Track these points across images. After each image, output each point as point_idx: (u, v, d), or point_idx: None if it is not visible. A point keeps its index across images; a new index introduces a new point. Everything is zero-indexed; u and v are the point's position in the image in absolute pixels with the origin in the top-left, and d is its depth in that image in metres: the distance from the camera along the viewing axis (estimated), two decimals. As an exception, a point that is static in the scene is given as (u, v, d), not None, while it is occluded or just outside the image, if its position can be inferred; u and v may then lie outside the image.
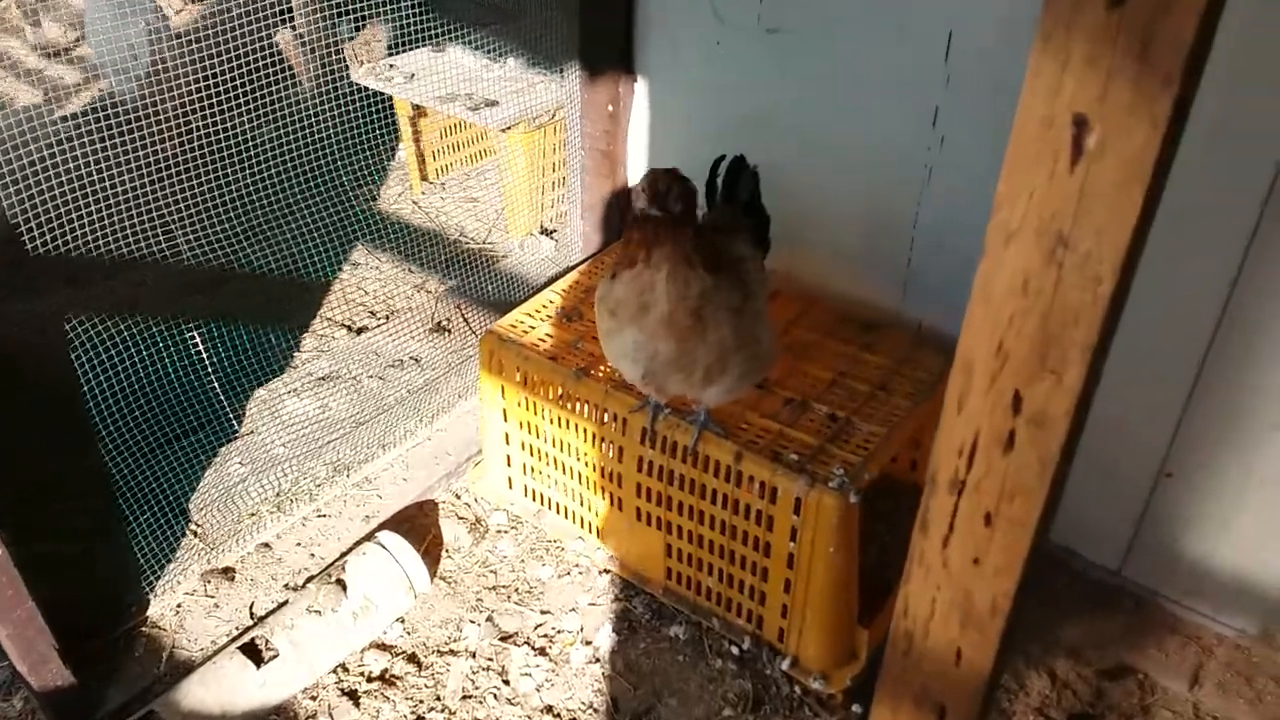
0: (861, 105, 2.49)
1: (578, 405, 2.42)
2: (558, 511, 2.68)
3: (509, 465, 2.71)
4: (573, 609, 2.51)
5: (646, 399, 2.28)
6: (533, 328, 2.58)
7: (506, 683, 2.35)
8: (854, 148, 2.55)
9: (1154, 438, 2.31)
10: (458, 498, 2.83)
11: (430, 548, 2.67)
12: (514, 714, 2.27)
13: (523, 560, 2.65)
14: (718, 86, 2.74)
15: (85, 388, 2.17)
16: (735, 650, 2.38)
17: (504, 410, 2.60)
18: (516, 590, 2.57)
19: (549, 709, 2.29)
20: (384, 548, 2.48)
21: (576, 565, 2.62)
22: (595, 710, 2.28)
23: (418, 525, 2.74)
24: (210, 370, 2.68)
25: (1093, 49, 0.84)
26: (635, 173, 3.02)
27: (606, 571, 2.59)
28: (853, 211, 2.64)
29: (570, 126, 3.00)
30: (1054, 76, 0.88)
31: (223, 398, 2.68)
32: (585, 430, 2.43)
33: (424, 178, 4.11)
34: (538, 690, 2.33)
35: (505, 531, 2.73)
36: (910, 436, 2.31)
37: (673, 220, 1.89)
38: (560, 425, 2.49)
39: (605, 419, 2.37)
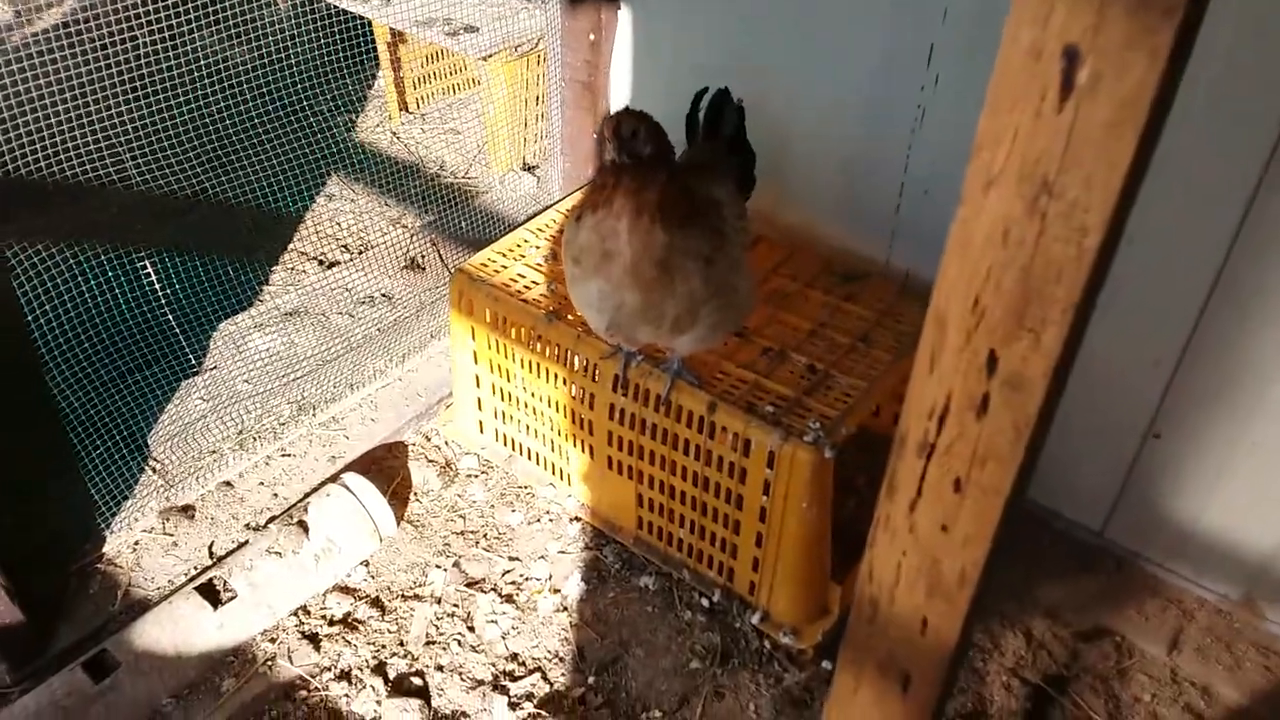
0: (854, 40, 2.36)
1: (549, 349, 2.33)
2: (529, 457, 2.61)
3: (480, 409, 2.63)
4: (542, 556, 2.46)
5: (621, 348, 2.19)
6: (505, 267, 2.48)
7: (472, 629, 2.30)
8: (845, 85, 2.43)
9: (1143, 397, 2.24)
10: (428, 440, 2.76)
11: (398, 490, 2.61)
12: (478, 661, 2.23)
13: (493, 506, 2.58)
14: (705, 16, 2.60)
15: (31, 317, 2.07)
16: (705, 603, 2.33)
17: (474, 352, 2.52)
18: (485, 536, 2.51)
19: (514, 656, 2.24)
20: (348, 489, 2.41)
21: (547, 512, 2.56)
22: (561, 659, 2.24)
23: (386, 467, 2.67)
24: (165, 301, 2.58)
25: (1088, -31, 0.74)
26: (618, 106, 2.89)
27: (577, 519, 2.53)
28: (841, 154, 2.52)
29: (551, 56, 2.87)
30: (1043, 2, 0.78)
31: (178, 329, 2.58)
32: (556, 375, 2.35)
33: (404, 107, 3.97)
34: (503, 638, 2.28)
35: (475, 476, 2.66)
36: (891, 390, 2.23)
37: (641, 165, 1.78)
38: (531, 370, 2.40)
39: (577, 364, 2.29)
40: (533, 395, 2.45)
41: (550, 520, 2.54)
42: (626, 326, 1.97)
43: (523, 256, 2.52)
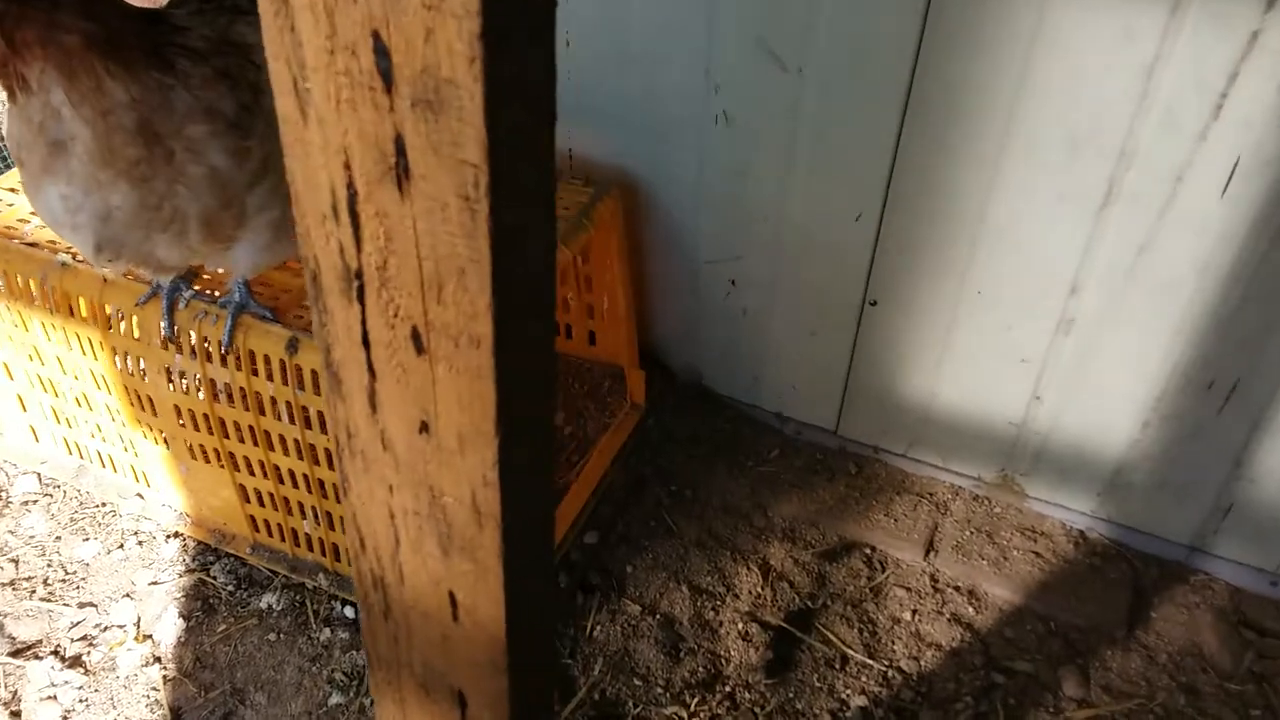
0: None
1: (71, 307, 1.66)
2: (102, 464, 1.93)
3: (23, 409, 1.92)
4: (127, 594, 1.79)
5: (155, 283, 1.56)
6: (12, 204, 1.78)
7: (17, 716, 1.62)
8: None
9: (853, 260, 1.84)
10: (-31, 465, 2.02)
11: (-84, 542, 1.87)
12: (25, 763, 1.56)
13: (58, 538, 1.89)
14: None
15: None
16: (350, 612, 1.75)
17: (-10, 332, 1.81)
18: (46, 582, 1.82)
19: (84, 743, 1.58)
20: None
21: (136, 533, 1.89)
22: (154, 732, 1.60)
23: (-103, 513, 1.91)
24: None
25: None
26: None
27: (177, 535, 1.88)
28: None
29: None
30: None
31: None
32: (93, 343, 1.68)
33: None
34: (65, 718, 1.61)
35: (34, 501, 1.95)
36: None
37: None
38: (64, 342, 1.72)
39: (111, 323, 1.64)
40: (75, 377, 1.77)
41: (139, 544, 1.88)
42: (132, 245, 1.35)
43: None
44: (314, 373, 1.50)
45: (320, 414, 1.54)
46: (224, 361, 1.55)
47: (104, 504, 1.93)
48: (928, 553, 1.92)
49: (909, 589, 1.86)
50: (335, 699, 1.64)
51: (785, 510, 1.99)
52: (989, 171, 1.62)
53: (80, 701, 1.64)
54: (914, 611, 1.82)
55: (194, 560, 1.84)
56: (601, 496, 1.98)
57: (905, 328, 1.87)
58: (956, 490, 2.03)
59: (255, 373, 1.55)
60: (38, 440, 1.97)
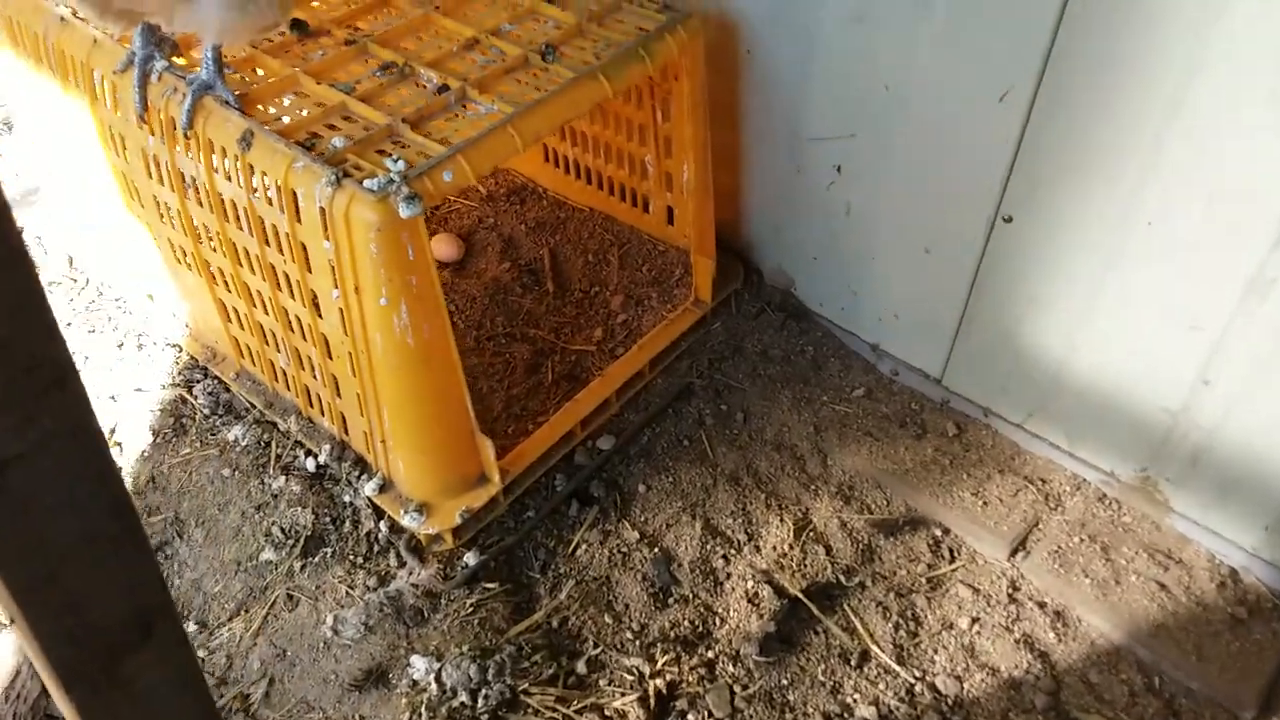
0: None
1: (68, 71, 1.49)
2: (117, 255, 1.80)
3: (83, 190, 1.82)
4: (111, 396, 1.68)
5: (129, 50, 1.36)
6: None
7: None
8: None
9: (988, 153, 1.39)
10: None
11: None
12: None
13: (69, 324, 1.79)
14: None
15: None
16: (311, 464, 1.55)
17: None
18: (42, 366, 1.73)
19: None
20: None
21: (139, 335, 1.77)
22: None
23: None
24: None
25: None
26: None
27: (174, 346, 1.74)
28: None
29: None
30: None
31: None
32: (87, 111, 1.52)
33: None
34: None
35: (59, 284, 1.87)
36: (559, 120, 1.40)
37: None
38: (65, 110, 1.57)
39: (97, 92, 1.46)
40: (78, 148, 1.63)
41: (138, 347, 1.75)
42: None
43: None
44: (264, 173, 1.26)
45: (278, 229, 1.30)
46: (188, 150, 1.34)
47: (119, 300, 1.82)
48: (1015, 552, 1.49)
49: (977, 590, 1.45)
50: (267, 554, 1.45)
51: (850, 462, 1.61)
52: (1189, 43, 1.13)
53: (27, 495, 1.54)
54: (975, 620, 1.42)
55: (181, 375, 1.69)
56: (632, 400, 1.67)
57: (1045, 258, 1.42)
58: (1079, 483, 1.57)
59: (213, 165, 1.33)
60: (70, 222, 1.88)
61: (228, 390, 1.66)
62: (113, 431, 1.63)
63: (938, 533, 1.53)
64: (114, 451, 1.59)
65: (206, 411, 1.63)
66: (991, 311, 1.53)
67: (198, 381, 1.67)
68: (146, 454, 1.59)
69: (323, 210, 1.20)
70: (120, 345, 1.75)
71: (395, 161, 1.21)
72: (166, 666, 0.60)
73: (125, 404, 1.66)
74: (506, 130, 1.28)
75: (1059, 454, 1.58)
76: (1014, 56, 1.29)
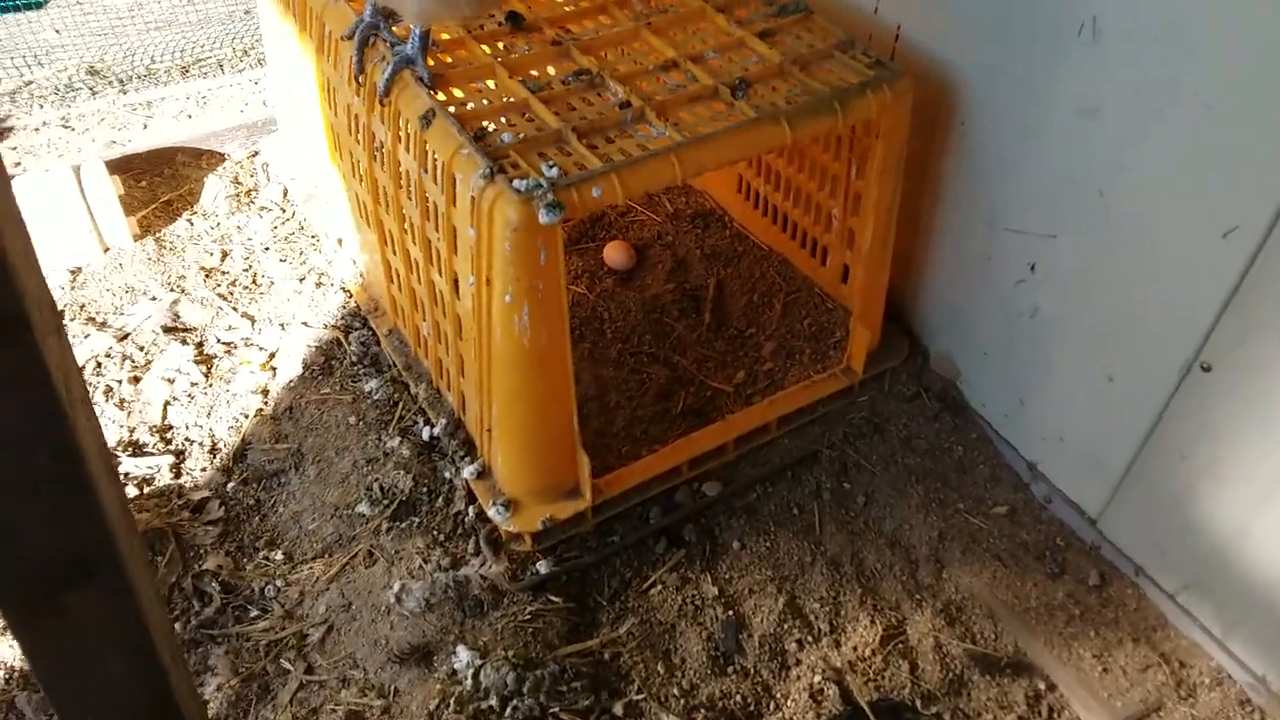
0: None
1: (310, 26, 1.60)
2: (320, 198, 1.93)
3: (301, 130, 1.97)
4: (283, 324, 1.80)
5: (360, 16, 1.44)
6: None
7: (136, 381, 1.69)
8: None
9: (1194, 296, 1.22)
10: (251, 158, 2.13)
11: (175, 204, 2.02)
12: (108, 421, 1.62)
13: (266, 249, 1.94)
14: None
15: None
16: (427, 433, 1.59)
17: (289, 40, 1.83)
18: (236, 282, 1.88)
19: (160, 429, 1.61)
20: (76, 177, 1.84)
21: (321, 274, 1.88)
22: (215, 451, 1.59)
23: (178, 175, 2.08)
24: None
25: None
26: None
27: (347, 291, 1.84)
28: None
29: None
30: None
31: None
32: (313, 62, 1.63)
33: None
34: (165, 404, 1.66)
35: (269, 210, 2.02)
36: (725, 157, 1.35)
37: None
38: (301, 55, 1.69)
39: (324, 46, 1.55)
40: (302, 95, 1.74)
41: (316, 285, 1.86)
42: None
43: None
44: (435, 154, 1.29)
45: (438, 208, 1.34)
46: (382, 117, 1.41)
47: (314, 237, 1.95)
48: (1124, 734, 1.31)
49: (1065, 764, 1.29)
50: (363, 508, 1.50)
51: (967, 581, 1.47)
52: None
53: (185, 396, 1.68)
54: (1052, 796, 1.26)
55: (343, 320, 1.79)
56: (751, 452, 1.60)
57: (1239, 420, 1.23)
58: (1221, 678, 1.36)
59: (399, 136, 1.38)
60: (296, 158, 2.02)
61: (378, 344, 1.73)
62: (272, 355, 1.74)
63: (1041, 685, 1.37)
64: (266, 376, 1.70)
65: (354, 359, 1.71)
66: (1167, 463, 1.35)
67: (355, 329, 1.76)
68: (293, 384, 1.69)
69: (473, 199, 1.22)
70: (302, 279, 1.87)
71: (550, 167, 1.21)
72: (106, 607, 0.61)
73: (291, 334, 1.77)
74: (669, 158, 1.25)
75: (1208, 640, 1.37)
76: (1253, 190, 1.12)
